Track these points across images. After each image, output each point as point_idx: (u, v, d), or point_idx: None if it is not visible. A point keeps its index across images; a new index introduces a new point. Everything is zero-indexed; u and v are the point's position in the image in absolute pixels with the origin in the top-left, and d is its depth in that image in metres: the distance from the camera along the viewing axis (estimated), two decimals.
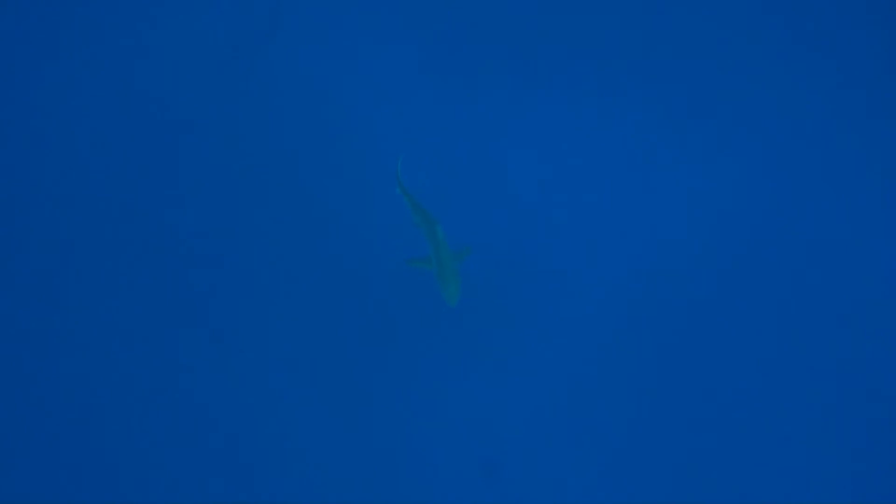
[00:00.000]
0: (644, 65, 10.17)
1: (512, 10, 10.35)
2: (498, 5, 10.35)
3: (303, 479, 9.01)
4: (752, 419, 9.15)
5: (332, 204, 9.71)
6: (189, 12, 10.28)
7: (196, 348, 9.29)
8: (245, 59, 10.12)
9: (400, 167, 8.97)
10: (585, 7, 10.34)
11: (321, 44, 10.24)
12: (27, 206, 9.65)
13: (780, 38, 10.22)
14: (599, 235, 9.68)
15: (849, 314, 9.40)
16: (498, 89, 10.11)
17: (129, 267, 9.50)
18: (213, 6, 10.31)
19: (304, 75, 10.10)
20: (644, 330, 9.37)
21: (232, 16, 10.30)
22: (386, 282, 9.47)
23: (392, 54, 10.21)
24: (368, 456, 9.07)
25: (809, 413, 9.16)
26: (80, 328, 9.34)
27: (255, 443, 9.09)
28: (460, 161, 9.87)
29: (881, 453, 8.98)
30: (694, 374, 9.27)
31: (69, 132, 9.88)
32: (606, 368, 9.27)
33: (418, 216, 8.82)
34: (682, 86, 10.13)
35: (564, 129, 10.03)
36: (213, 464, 9.03)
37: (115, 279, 9.48)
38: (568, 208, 9.77)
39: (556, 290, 9.49)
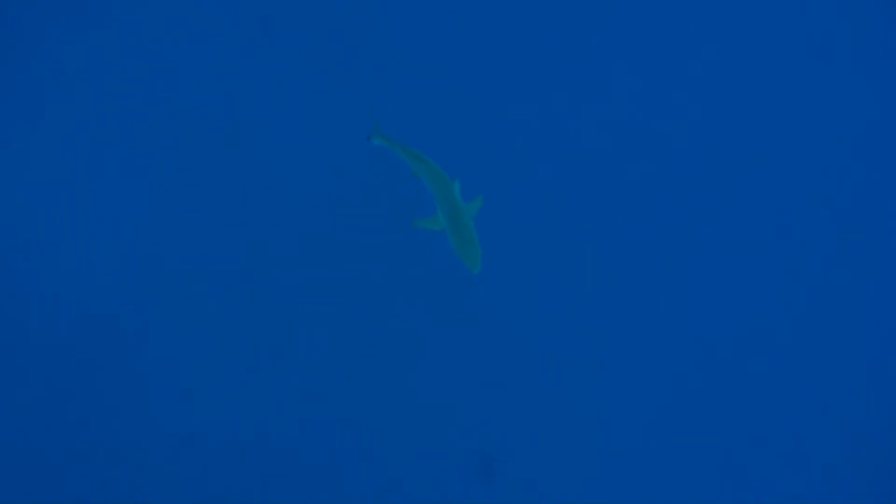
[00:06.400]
0: None
1: None
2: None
3: (297, 477, 9.10)
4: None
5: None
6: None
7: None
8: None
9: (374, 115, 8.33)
10: None
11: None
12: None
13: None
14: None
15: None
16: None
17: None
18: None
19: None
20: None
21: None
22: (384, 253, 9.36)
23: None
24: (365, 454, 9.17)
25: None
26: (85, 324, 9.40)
27: (245, 440, 9.14)
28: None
29: None
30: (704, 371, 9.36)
31: (71, 134, 9.82)
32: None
33: (419, 166, 7.94)
34: None
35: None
36: (207, 463, 9.10)
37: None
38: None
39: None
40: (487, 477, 8.99)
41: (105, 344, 9.30)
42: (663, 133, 9.77)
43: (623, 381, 9.26)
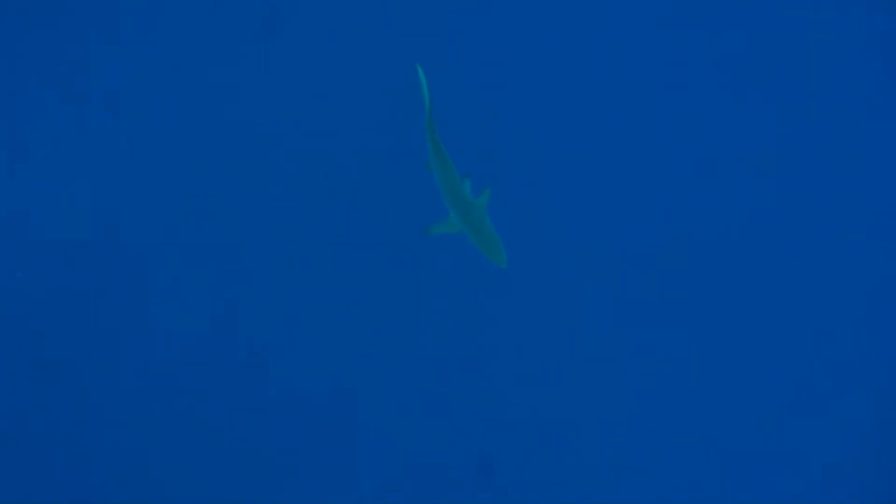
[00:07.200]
0: None
1: None
2: None
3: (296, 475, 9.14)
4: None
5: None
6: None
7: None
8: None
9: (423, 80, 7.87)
10: None
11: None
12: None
13: None
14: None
15: None
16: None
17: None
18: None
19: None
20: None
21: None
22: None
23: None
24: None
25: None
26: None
27: (245, 439, 9.16)
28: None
29: None
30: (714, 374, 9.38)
31: (72, 132, 9.84)
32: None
33: (437, 158, 7.61)
34: None
35: None
36: (206, 465, 9.12)
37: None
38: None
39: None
40: (487, 477, 9.01)
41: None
42: (666, 126, 9.77)
43: (624, 382, 9.28)
